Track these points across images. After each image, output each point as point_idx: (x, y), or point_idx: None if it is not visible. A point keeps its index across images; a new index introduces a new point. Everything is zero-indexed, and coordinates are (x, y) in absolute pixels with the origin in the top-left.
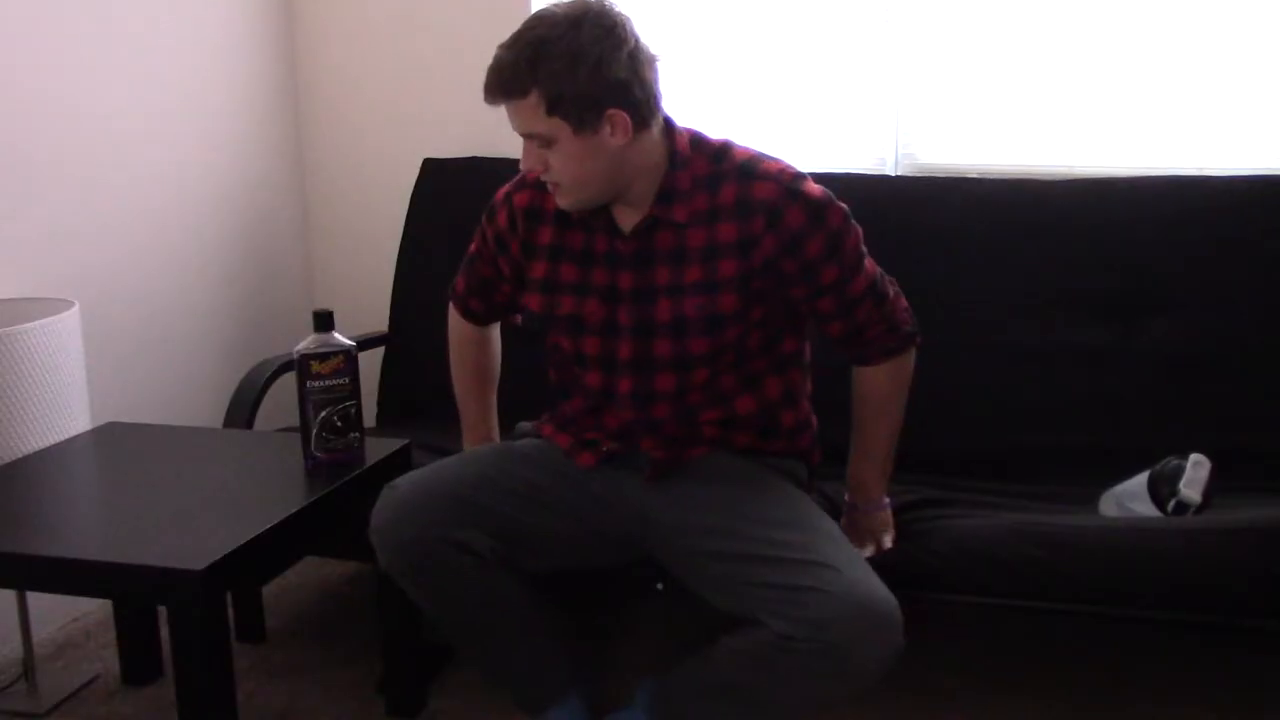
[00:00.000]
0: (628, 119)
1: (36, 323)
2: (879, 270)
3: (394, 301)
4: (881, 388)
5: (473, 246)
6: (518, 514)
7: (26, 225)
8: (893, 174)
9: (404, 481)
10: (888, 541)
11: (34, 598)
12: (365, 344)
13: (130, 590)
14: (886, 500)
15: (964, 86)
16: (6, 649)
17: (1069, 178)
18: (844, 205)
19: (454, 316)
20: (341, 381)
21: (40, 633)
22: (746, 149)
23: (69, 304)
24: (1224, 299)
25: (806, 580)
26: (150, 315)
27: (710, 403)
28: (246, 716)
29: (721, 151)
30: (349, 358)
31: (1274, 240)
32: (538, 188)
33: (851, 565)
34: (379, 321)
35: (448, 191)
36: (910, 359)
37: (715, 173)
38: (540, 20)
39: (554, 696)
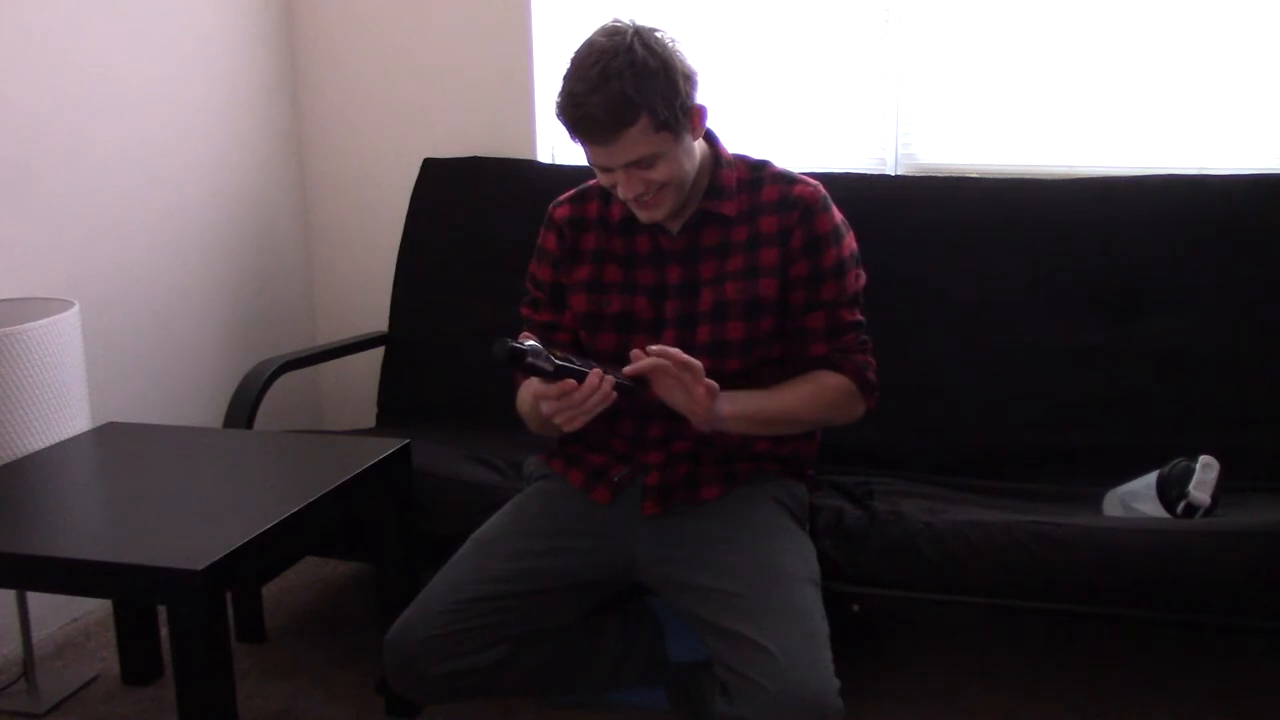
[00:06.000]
0: (704, 109)
1: (36, 323)
2: (864, 323)
3: (394, 301)
4: (833, 388)
5: (525, 309)
6: (521, 618)
7: (26, 225)
8: (893, 174)
9: (401, 625)
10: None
11: (34, 598)
12: (365, 344)
13: (130, 590)
14: (723, 415)
15: (964, 86)
16: (6, 649)
17: (1069, 178)
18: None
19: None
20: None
21: (40, 633)
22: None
23: (69, 304)
24: (1224, 299)
25: (751, 670)
26: (150, 315)
27: None
28: (246, 716)
29: (761, 163)
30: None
31: (1274, 240)
32: (574, 201)
33: (799, 650)
34: (379, 322)
35: (448, 191)
36: (861, 405)
37: (756, 178)
38: (604, 52)
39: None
